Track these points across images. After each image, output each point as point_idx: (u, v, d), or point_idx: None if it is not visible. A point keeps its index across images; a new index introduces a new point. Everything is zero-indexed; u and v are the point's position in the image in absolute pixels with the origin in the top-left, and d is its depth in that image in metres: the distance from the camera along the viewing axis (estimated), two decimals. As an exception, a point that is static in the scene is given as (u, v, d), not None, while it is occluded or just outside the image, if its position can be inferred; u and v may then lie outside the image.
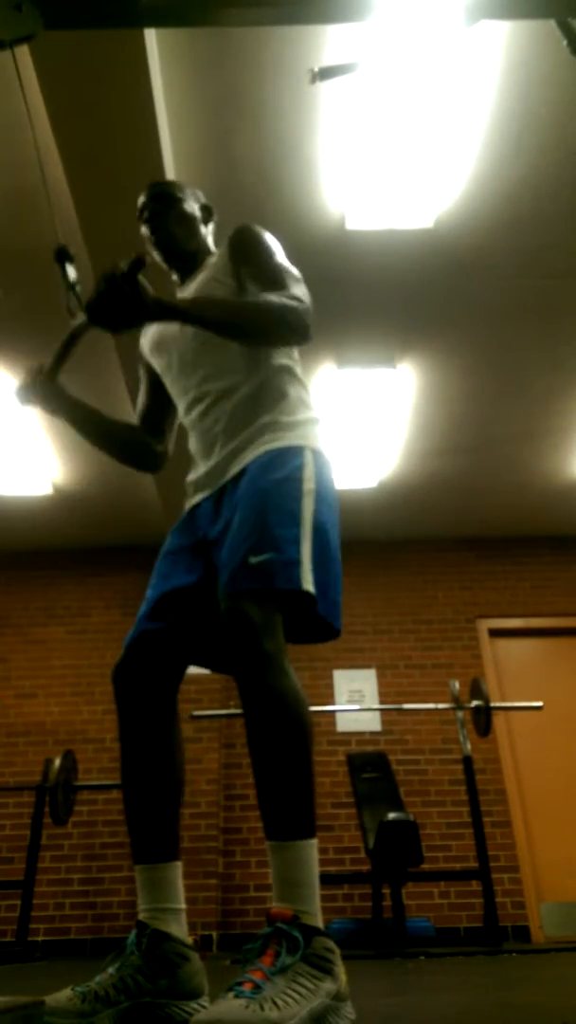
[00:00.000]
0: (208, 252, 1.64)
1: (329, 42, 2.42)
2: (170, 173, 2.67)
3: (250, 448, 1.37)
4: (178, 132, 2.69)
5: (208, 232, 1.68)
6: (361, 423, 4.21)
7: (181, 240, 1.60)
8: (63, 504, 4.97)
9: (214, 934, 4.16)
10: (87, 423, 1.56)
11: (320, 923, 1.04)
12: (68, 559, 5.51)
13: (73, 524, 5.23)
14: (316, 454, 1.36)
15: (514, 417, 4.31)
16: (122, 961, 1.16)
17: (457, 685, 4.36)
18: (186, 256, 1.61)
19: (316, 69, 1.29)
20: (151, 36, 2.28)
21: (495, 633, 5.32)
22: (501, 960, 2.91)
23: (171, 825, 1.28)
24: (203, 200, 1.70)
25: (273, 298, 1.34)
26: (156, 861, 1.24)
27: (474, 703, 4.16)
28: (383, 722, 4.90)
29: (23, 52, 2.16)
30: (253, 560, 1.19)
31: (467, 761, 4.00)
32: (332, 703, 4.92)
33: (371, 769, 4.26)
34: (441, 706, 4.43)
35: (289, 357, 1.49)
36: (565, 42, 1.24)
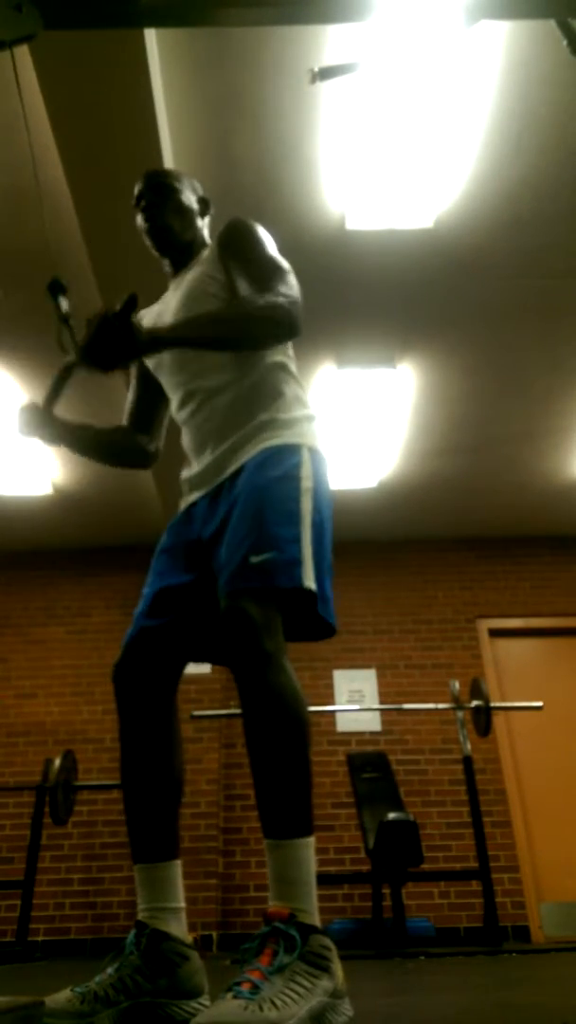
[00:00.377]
0: (203, 244, 1.63)
1: (329, 42, 2.42)
2: (170, 173, 2.66)
3: (247, 446, 1.37)
4: (178, 132, 2.69)
5: (204, 224, 1.67)
6: (361, 423, 4.21)
7: (178, 232, 1.59)
8: (63, 504, 4.97)
9: (214, 934, 4.16)
10: (81, 442, 1.56)
11: (317, 921, 1.04)
12: (68, 559, 5.51)
13: (72, 524, 5.23)
14: (313, 452, 1.36)
15: (514, 417, 4.31)
16: (121, 961, 1.16)
17: (457, 685, 4.36)
18: (181, 248, 1.61)
19: (316, 69, 1.29)
20: (151, 36, 2.28)
21: (495, 633, 5.32)
22: (501, 960, 2.91)
23: (171, 824, 1.28)
24: (200, 192, 1.69)
25: (260, 301, 1.33)
26: (155, 860, 1.24)
27: (474, 703, 4.16)
28: (383, 722, 4.90)
29: (23, 52, 2.16)
30: (254, 559, 1.19)
31: (467, 761, 4.00)
32: (332, 703, 4.92)
33: (371, 769, 4.26)
34: (441, 706, 4.43)
35: (284, 353, 1.49)
36: (565, 42, 1.24)
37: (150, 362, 1.60)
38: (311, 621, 1.27)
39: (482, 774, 4.47)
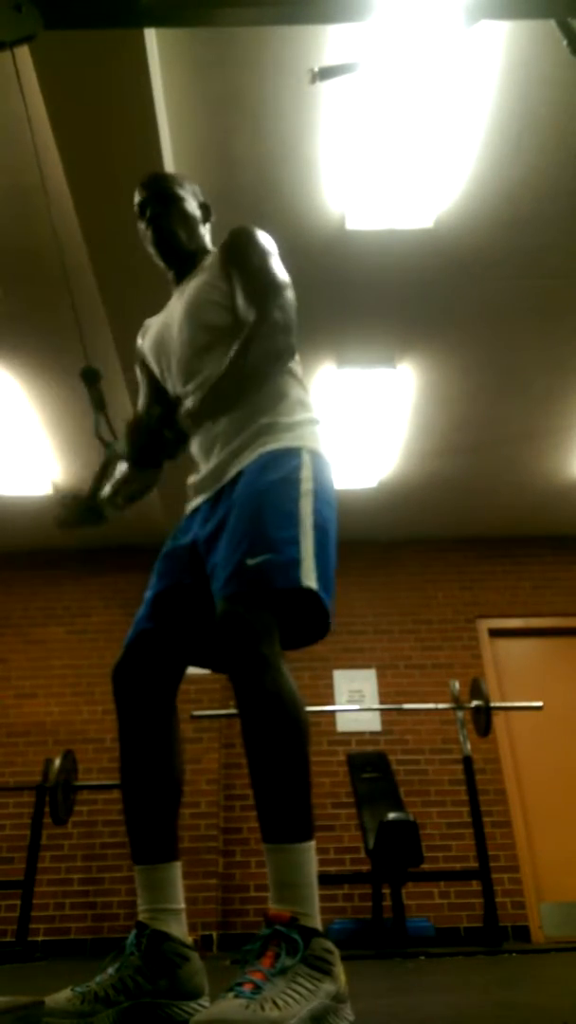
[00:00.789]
0: (205, 251, 1.63)
1: (329, 42, 2.42)
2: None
3: (248, 450, 1.36)
4: (178, 132, 2.69)
5: (206, 231, 1.67)
6: (361, 423, 4.21)
7: (184, 242, 1.60)
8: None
9: (214, 934, 4.16)
10: (126, 496, 1.54)
11: (319, 924, 1.04)
12: (68, 559, 5.51)
13: (73, 524, 5.22)
14: (314, 455, 1.35)
15: (514, 417, 4.31)
16: (122, 961, 1.16)
17: (457, 685, 4.36)
18: (186, 256, 1.61)
19: (316, 69, 1.29)
20: (151, 36, 2.28)
21: (495, 633, 5.32)
22: (501, 960, 2.91)
23: (170, 825, 1.28)
24: (201, 197, 1.69)
25: (256, 335, 1.33)
26: (155, 861, 1.24)
27: (474, 703, 4.16)
28: (383, 722, 4.90)
29: (23, 52, 2.16)
30: (250, 562, 1.18)
31: (467, 761, 4.00)
32: (332, 703, 4.92)
33: (371, 769, 4.25)
34: (441, 706, 4.42)
35: None
36: (565, 42, 1.24)
37: (157, 370, 1.61)
38: (310, 621, 1.26)
39: (482, 774, 4.46)
